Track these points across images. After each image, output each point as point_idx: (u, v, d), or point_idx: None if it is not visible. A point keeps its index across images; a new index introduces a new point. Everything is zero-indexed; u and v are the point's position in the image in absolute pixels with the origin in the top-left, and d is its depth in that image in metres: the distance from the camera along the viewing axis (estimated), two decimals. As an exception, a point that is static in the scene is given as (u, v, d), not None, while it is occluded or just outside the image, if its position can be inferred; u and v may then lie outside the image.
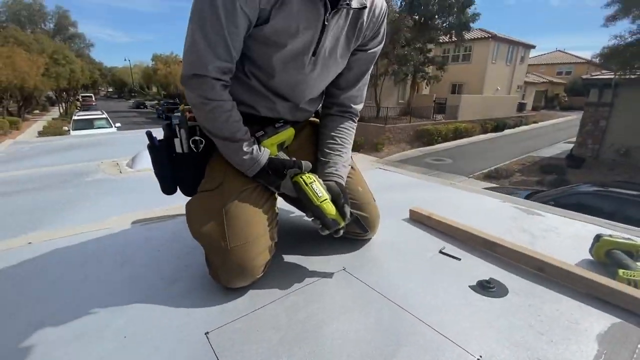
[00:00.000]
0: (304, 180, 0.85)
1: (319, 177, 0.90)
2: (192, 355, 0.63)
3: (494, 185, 8.63)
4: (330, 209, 0.84)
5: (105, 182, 1.70)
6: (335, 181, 0.91)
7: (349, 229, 0.94)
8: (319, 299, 0.79)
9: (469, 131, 15.67)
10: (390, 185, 1.67)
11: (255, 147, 0.86)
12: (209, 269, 0.85)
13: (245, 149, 0.83)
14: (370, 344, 0.65)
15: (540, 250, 1.00)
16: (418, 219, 1.22)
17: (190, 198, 0.90)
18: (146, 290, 0.84)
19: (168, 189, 0.98)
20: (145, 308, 0.77)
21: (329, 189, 0.86)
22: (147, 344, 0.66)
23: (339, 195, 0.85)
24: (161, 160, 0.93)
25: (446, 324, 0.70)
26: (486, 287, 0.81)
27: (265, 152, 0.87)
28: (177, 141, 0.90)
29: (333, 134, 1.00)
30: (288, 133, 0.96)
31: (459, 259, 0.96)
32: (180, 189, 0.99)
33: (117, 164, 2.11)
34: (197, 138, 0.91)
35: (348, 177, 0.99)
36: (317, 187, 0.85)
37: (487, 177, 9.51)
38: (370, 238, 1.07)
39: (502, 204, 1.40)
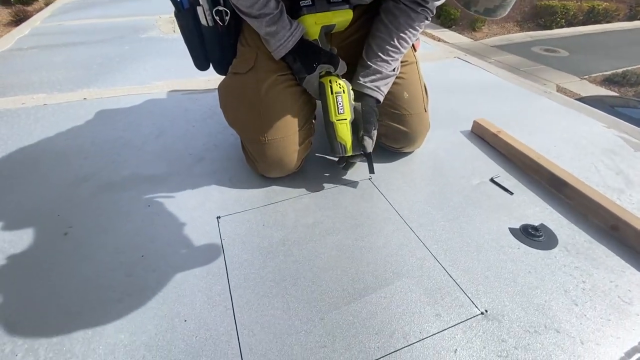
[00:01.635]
0: (331, 87, 0.73)
1: (353, 81, 0.77)
2: (201, 235, 0.67)
3: (612, 93, 6.90)
4: (343, 132, 0.73)
5: (157, 42, 1.67)
6: (371, 96, 0.77)
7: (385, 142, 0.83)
8: (332, 207, 0.75)
9: (610, 14, 11.73)
10: (464, 84, 1.36)
11: (285, 23, 0.69)
12: (245, 157, 0.84)
13: (270, 26, 0.68)
14: (369, 265, 0.62)
15: (629, 203, 0.78)
16: (481, 134, 1.01)
17: (222, 79, 0.84)
18: (175, 163, 0.87)
19: (200, 65, 0.90)
20: (170, 181, 0.81)
21: (355, 110, 0.75)
22: (164, 215, 0.72)
23: (362, 123, 0.74)
24: (188, 32, 0.83)
25: (461, 267, 0.62)
26: (531, 234, 0.68)
27: (298, 31, 0.71)
28: (199, 10, 0.77)
29: (392, 28, 0.77)
30: (343, 15, 0.74)
31: (512, 193, 0.80)
32: (213, 67, 0.91)
33: (173, 20, 2.02)
34: (220, 8, 0.76)
35: (397, 78, 0.81)
36: (341, 101, 0.73)
37: (608, 80, 7.56)
38: (412, 151, 0.93)
39: (604, 130, 1.07)
